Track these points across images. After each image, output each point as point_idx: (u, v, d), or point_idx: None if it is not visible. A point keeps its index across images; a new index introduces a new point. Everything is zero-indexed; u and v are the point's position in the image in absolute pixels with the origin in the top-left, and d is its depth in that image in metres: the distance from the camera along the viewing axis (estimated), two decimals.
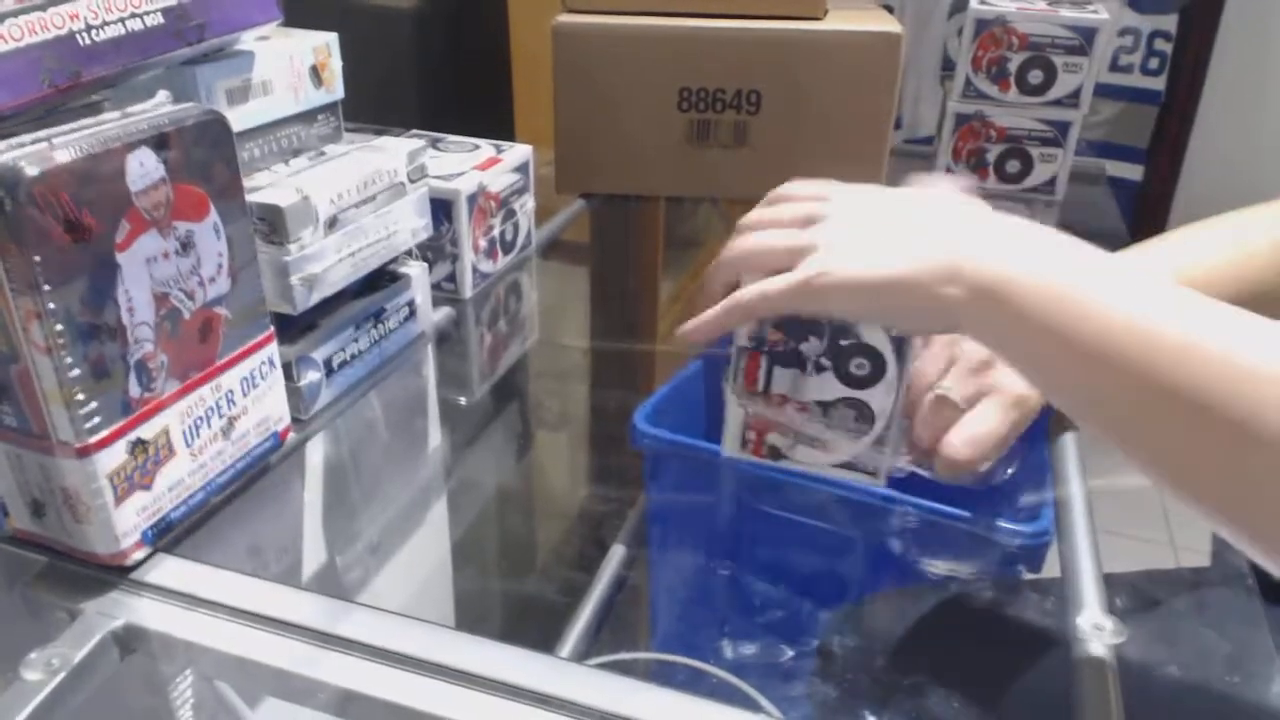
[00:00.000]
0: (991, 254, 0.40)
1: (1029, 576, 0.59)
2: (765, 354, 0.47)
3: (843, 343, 0.46)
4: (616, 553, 0.71)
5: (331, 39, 0.59)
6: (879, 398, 0.47)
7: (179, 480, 0.45)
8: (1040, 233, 0.41)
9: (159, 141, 0.41)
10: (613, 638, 0.66)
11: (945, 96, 0.99)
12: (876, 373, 0.46)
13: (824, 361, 0.47)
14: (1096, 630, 0.44)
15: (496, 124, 1.40)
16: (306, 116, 0.59)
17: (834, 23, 0.86)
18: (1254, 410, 0.32)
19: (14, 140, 0.37)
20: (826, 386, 0.47)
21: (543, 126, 0.94)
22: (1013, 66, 0.93)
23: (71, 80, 0.41)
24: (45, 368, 0.38)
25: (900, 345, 0.46)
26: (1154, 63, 1.84)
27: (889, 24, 0.86)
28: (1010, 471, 0.56)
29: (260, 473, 0.52)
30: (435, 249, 0.72)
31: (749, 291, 0.45)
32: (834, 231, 0.45)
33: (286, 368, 0.55)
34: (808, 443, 0.49)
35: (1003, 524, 0.58)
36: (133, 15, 0.44)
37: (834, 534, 0.67)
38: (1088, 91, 0.93)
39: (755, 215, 0.50)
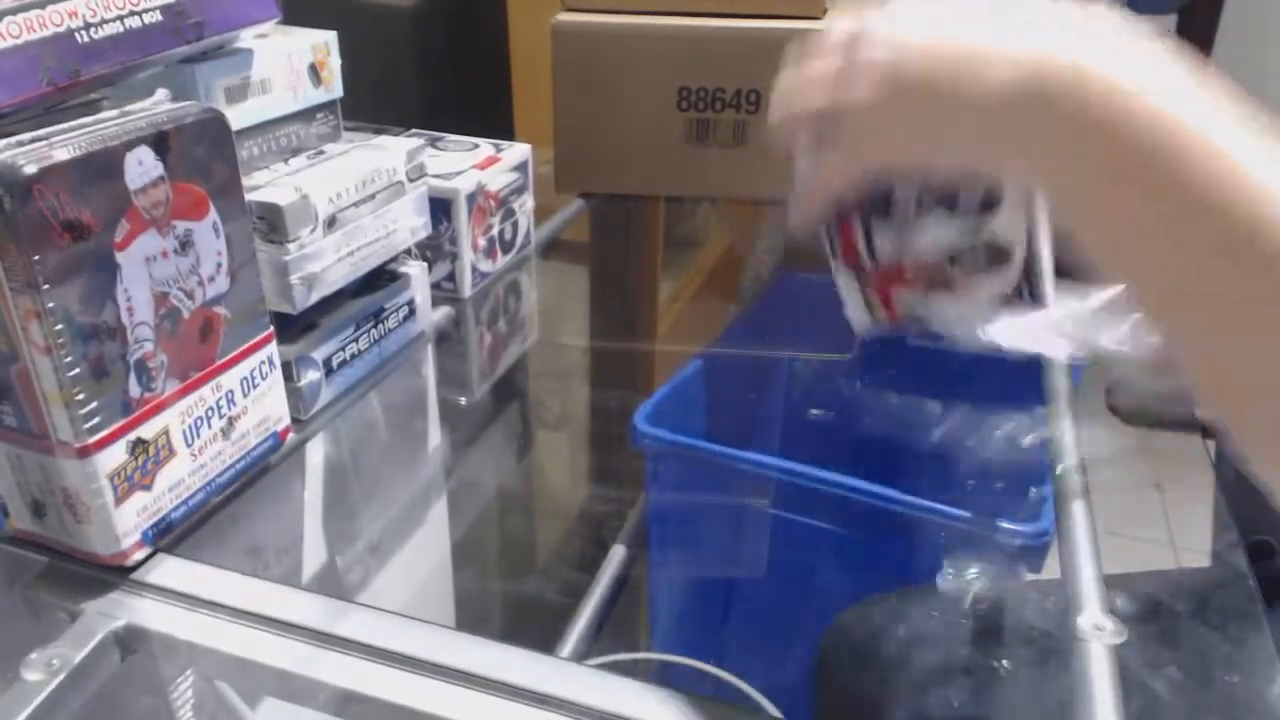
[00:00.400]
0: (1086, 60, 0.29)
1: (1029, 577, 0.59)
2: (856, 219, 0.39)
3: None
4: (617, 553, 0.71)
5: (330, 37, 0.59)
6: (1008, 222, 0.38)
7: (179, 480, 0.45)
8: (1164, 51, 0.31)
9: (158, 140, 0.40)
10: (613, 638, 0.66)
11: None
12: (992, 195, 0.38)
13: (925, 201, 0.38)
14: (1096, 631, 0.44)
15: (496, 123, 1.39)
16: (305, 115, 0.59)
17: None
18: None
19: (13, 139, 0.37)
20: (940, 231, 0.38)
21: (542, 125, 0.94)
22: None
23: (70, 78, 0.41)
24: (45, 367, 0.38)
25: None
26: None
27: None
28: None
29: (260, 473, 0.52)
30: (434, 248, 0.72)
31: (816, 181, 0.37)
32: (883, 43, 0.35)
33: (286, 367, 0.55)
34: (947, 289, 0.40)
35: (1003, 524, 0.58)
36: (131, 13, 0.44)
37: (834, 534, 0.67)
38: None
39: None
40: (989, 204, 0.38)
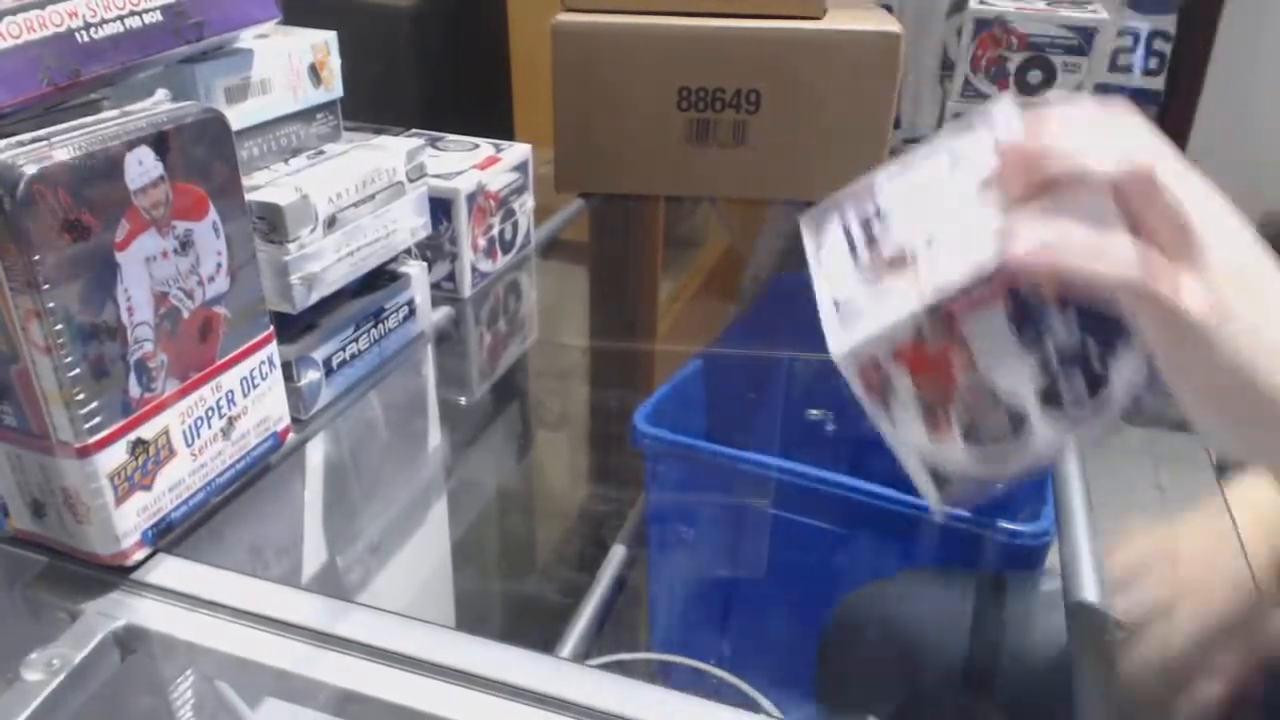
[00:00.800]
0: None
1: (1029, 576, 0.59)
2: (1012, 297, 0.33)
3: (1101, 364, 0.34)
4: (617, 553, 0.71)
5: (330, 37, 0.59)
6: (1049, 435, 0.35)
7: (179, 480, 0.45)
8: None
9: (158, 140, 0.40)
10: (613, 638, 0.66)
11: (945, 96, 0.98)
12: (1077, 403, 0.35)
13: (1058, 364, 0.34)
14: (1096, 629, 0.44)
15: (496, 123, 1.39)
16: (305, 115, 0.59)
17: (834, 22, 0.86)
18: None
19: (13, 139, 0.37)
20: (1025, 388, 0.35)
21: (542, 125, 0.94)
22: (1012, 66, 0.93)
23: (70, 78, 0.41)
24: (45, 367, 0.38)
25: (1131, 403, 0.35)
26: (1154, 63, 1.84)
27: (889, 23, 0.86)
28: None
29: (260, 473, 0.52)
30: (434, 248, 0.72)
31: (1090, 250, 0.31)
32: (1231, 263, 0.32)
33: (286, 367, 0.55)
34: (924, 415, 0.35)
35: (1003, 524, 0.58)
36: (131, 13, 0.44)
37: (834, 533, 0.67)
38: (1087, 92, 0.93)
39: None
40: (1072, 405, 0.35)
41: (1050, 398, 0.35)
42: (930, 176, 0.39)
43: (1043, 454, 0.36)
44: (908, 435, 0.37)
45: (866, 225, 0.39)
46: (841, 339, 0.36)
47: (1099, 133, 0.34)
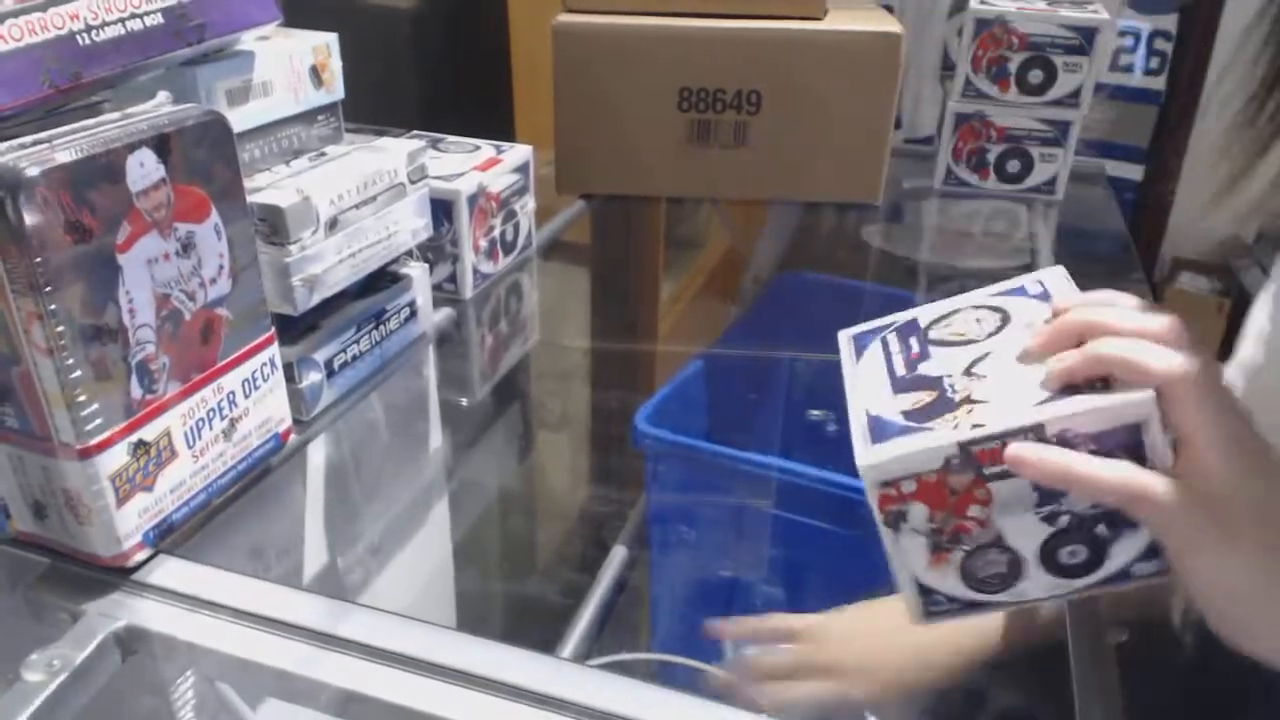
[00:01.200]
0: None
1: None
2: (1035, 499, 0.36)
3: (1109, 536, 0.36)
4: (617, 553, 0.71)
5: (331, 39, 0.59)
6: (1041, 586, 0.37)
7: (181, 482, 0.45)
8: None
9: (159, 142, 0.40)
10: (613, 638, 0.66)
11: (945, 96, 0.99)
12: (1073, 573, 0.37)
13: (1068, 531, 0.36)
14: (1096, 630, 0.44)
15: (496, 124, 1.40)
16: (307, 117, 0.59)
17: (834, 23, 0.86)
18: None
19: (14, 141, 0.37)
20: (1030, 540, 0.36)
21: (543, 126, 0.94)
22: (1013, 66, 0.93)
23: (72, 81, 0.41)
24: (47, 369, 0.38)
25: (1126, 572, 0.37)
26: (1154, 63, 1.84)
27: (889, 24, 0.86)
28: None
29: (262, 474, 0.52)
30: (436, 250, 0.72)
31: (1104, 469, 0.34)
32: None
33: (288, 369, 0.55)
34: (929, 546, 0.37)
35: None
36: (133, 15, 0.44)
37: (834, 533, 0.67)
38: (1088, 91, 0.93)
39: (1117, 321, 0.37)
40: (1073, 571, 0.37)
41: (1051, 559, 0.37)
42: (976, 320, 0.41)
43: (1029, 600, 0.38)
44: (908, 558, 0.38)
45: (906, 345, 0.42)
46: (868, 452, 0.37)
47: (1153, 326, 0.36)
